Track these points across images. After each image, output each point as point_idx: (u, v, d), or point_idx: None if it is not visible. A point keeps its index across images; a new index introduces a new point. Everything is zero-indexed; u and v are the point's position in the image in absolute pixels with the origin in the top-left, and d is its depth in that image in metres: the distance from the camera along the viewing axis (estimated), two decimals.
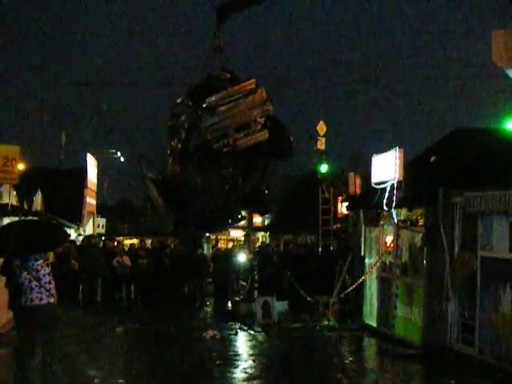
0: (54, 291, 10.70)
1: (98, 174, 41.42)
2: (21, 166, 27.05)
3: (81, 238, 29.71)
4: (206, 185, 8.41)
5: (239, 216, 9.47)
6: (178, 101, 8.31)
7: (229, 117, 8.07)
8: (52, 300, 10.65)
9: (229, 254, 27.32)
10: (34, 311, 10.42)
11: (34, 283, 10.45)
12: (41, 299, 10.47)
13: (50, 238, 11.24)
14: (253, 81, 8.08)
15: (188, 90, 8.26)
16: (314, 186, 32.66)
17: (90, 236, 29.10)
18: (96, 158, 40.65)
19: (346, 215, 24.62)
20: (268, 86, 8.52)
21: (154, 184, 8.59)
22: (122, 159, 49.77)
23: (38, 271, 10.54)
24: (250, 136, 8.19)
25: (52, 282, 10.68)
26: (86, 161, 37.90)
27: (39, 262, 10.59)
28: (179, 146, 8.35)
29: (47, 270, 10.71)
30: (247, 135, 8.18)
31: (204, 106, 7.95)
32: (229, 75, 8.25)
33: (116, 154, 48.77)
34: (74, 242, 24.95)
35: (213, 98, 8.01)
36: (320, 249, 24.82)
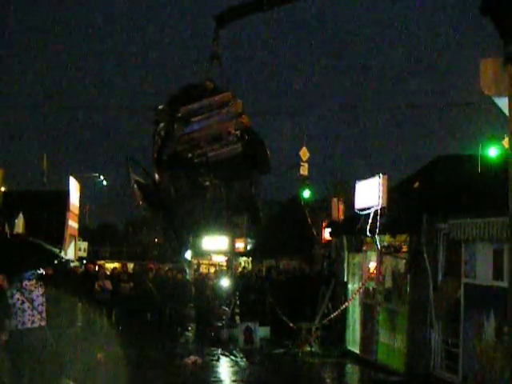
0: (45, 314, 10.37)
1: (80, 197, 41.23)
2: (3, 189, 26.91)
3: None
4: (182, 194, 8.34)
5: (230, 224, 9.37)
6: (160, 107, 8.23)
7: (202, 128, 7.98)
8: (43, 323, 10.31)
9: (211, 279, 27.17)
10: (26, 335, 10.05)
11: (26, 305, 10.07)
12: (33, 322, 10.11)
13: (41, 256, 10.96)
14: (229, 93, 7.99)
15: (169, 97, 8.18)
16: (297, 212, 32.71)
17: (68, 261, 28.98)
18: (79, 182, 40.49)
19: (329, 241, 24.61)
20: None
21: (138, 187, 8.47)
22: (104, 183, 49.68)
23: (30, 292, 10.18)
24: (223, 148, 8.10)
25: (44, 303, 10.34)
26: (68, 184, 37.73)
27: (32, 283, 10.25)
28: (156, 153, 8.27)
29: (40, 290, 10.35)
30: (220, 147, 8.08)
31: (178, 115, 7.87)
32: (212, 85, 8.15)
33: (99, 177, 48.70)
34: (54, 264, 24.69)
35: (187, 108, 7.92)
36: (302, 274, 24.74)
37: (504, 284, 11.41)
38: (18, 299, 10.00)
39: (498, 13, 5.95)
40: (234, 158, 8.20)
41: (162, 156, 8.14)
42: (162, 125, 8.22)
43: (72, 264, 29.43)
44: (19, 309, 10.00)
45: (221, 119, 8.15)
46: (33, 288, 10.14)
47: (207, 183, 8.36)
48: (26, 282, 10.11)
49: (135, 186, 8.52)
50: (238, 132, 8.18)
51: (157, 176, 8.38)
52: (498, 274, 12.22)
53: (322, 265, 24.10)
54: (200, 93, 8.18)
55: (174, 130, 8.02)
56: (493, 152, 16.68)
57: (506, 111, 6.84)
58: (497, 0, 5.89)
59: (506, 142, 14.50)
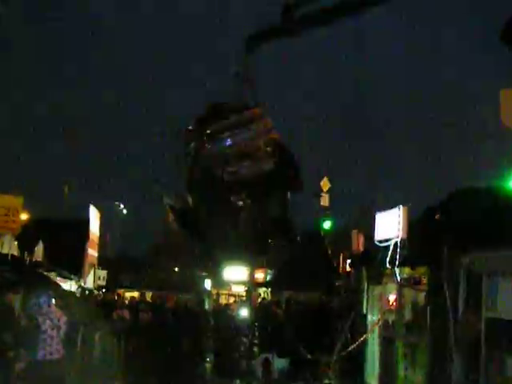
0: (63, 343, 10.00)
1: (100, 225, 41.36)
2: (24, 217, 27.00)
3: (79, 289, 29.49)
4: (214, 214, 8.19)
5: (266, 248, 9.10)
6: (190, 128, 8.15)
7: (231, 144, 7.86)
8: (63, 353, 9.91)
9: (229, 310, 27.05)
10: (48, 365, 9.55)
11: (54, 332, 9.63)
12: (58, 351, 9.67)
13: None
14: (258, 109, 7.87)
15: (197, 117, 8.11)
16: (317, 243, 32.60)
17: (87, 289, 28.98)
18: (99, 210, 40.65)
19: (349, 272, 24.45)
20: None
21: (171, 210, 8.38)
22: (124, 212, 49.84)
23: (58, 319, 9.76)
24: (254, 166, 7.95)
25: (66, 333, 9.94)
26: (88, 212, 37.88)
27: (57, 309, 9.83)
28: (188, 173, 8.17)
29: (64, 318, 9.96)
30: (250, 165, 7.94)
31: (207, 132, 7.79)
32: (241, 104, 8.05)
33: (119, 206, 48.88)
34: (73, 293, 24.75)
35: (216, 125, 7.83)
36: (321, 305, 24.55)
37: None
38: (49, 325, 9.56)
39: None
40: (265, 176, 8.06)
41: (193, 175, 8.06)
42: (192, 145, 8.13)
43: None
44: (49, 336, 9.58)
45: (250, 135, 8.02)
46: (59, 315, 9.77)
47: (240, 203, 8.20)
48: (48, 308, 9.70)
49: (169, 211, 8.43)
50: (268, 148, 8.03)
51: (189, 198, 8.28)
52: None
53: (341, 296, 23.88)
54: (228, 111, 8.09)
55: (203, 148, 7.93)
56: None
57: None
58: None
59: None
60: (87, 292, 28.25)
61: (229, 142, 7.80)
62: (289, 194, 8.47)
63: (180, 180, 8.29)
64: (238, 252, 8.63)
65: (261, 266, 44.01)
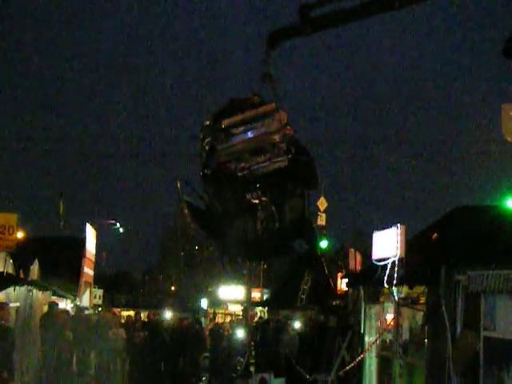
0: None
1: (96, 244, 41.24)
2: (20, 235, 26.89)
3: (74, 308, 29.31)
4: (229, 211, 8.02)
5: (285, 248, 8.86)
6: (206, 123, 8.01)
7: (245, 140, 7.70)
8: None
9: (226, 329, 26.94)
10: None
11: None
12: None
13: None
14: (273, 104, 7.73)
15: (214, 112, 7.97)
16: (313, 262, 32.51)
17: (83, 308, 28.84)
18: (95, 228, 40.54)
19: (346, 291, 24.37)
20: None
21: (189, 209, 8.20)
22: (121, 230, 49.73)
23: None
24: (268, 162, 7.79)
25: None
26: (85, 231, 37.77)
27: None
28: (201, 169, 8.01)
29: None
30: (264, 160, 7.78)
31: (222, 127, 7.65)
32: (258, 100, 7.91)
33: (115, 224, 48.78)
34: (68, 312, 24.60)
35: (229, 120, 7.70)
36: (318, 325, 24.46)
37: None
38: None
39: None
40: (280, 173, 7.90)
41: (207, 171, 7.91)
42: (207, 140, 7.99)
43: (87, 311, 29.27)
44: None
45: (265, 130, 7.85)
46: None
47: (256, 201, 8.00)
48: None
49: (185, 207, 8.27)
50: (283, 145, 7.87)
51: (205, 195, 8.14)
52: None
53: (338, 316, 23.80)
54: (245, 106, 7.93)
55: (217, 142, 7.77)
56: (511, 203, 16.50)
57: None
58: None
59: None
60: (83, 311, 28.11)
61: (243, 136, 7.65)
62: (307, 192, 8.31)
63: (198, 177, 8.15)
64: (255, 252, 8.42)
65: (257, 286, 43.95)
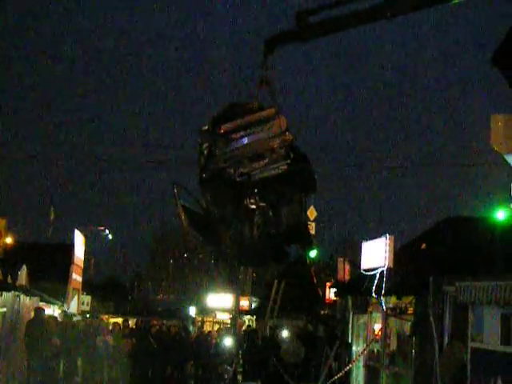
0: None
1: (85, 250, 41.13)
2: (8, 240, 26.83)
3: (62, 314, 29.19)
4: (226, 216, 7.96)
5: (282, 254, 8.79)
6: (204, 128, 7.97)
7: (244, 145, 7.66)
8: None
9: (214, 337, 26.88)
10: None
11: None
12: None
13: None
14: (272, 109, 7.69)
15: (212, 117, 7.93)
16: (302, 271, 32.51)
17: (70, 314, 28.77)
18: (84, 235, 40.43)
19: (335, 301, 24.37)
20: None
21: (185, 213, 8.15)
22: (110, 237, 49.63)
23: None
24: (267, 167, 7.76)
25: None
26: (73, 237, 37.67)
27: None
28: (199, 174, 7.97)
29: None
30: (263, 166, 7.74)
31: (220, 132, 7.61)
32: (257, 105, 7.87)
33: (104, 231, 48.67)
34: (55, 318, 24.51)
35: (228, 125, 7.65)
36: (306, 334, 24.43)
37: None
38: None
39: (509, 66, 5.92)
40: (278, 178, 7.87)
41: (205, 175, 7.88)
42: (205, 145, 7.95)
43: (74, 318, 29.18)
44: None
45: (264, 136, 7.80)
46: None
47: (253, 206, 7.97)
48: None
49: (182, 212, 8.22)
50: (282, 150, 7.84)
51: (202, 199, 8.10)
52: (506, 339, 12.00)
53: (326, 325, 23.78)
54: (244, 111, 7.88)
55: (216, 147, 7.74)
56: (501, 215, 16.54)
57: None
58: (508, 53, 5.86)
59: None
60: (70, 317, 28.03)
61: (243, 141, 7.62)
62: (305, 199, 8.28)
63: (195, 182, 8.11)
64: (251, 256, 8.38)
65: (246, 294, 43.86)
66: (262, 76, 7.61)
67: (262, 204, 7.82)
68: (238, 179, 7.61)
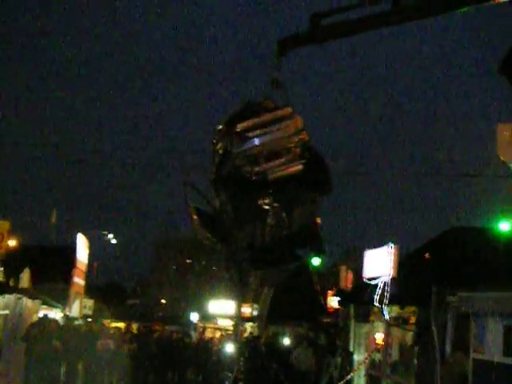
0: None
1: (88, 254, 41.13)
2: (12, 243, 26.82)
3: (64, 318, 29.18)
4: (241, 215, 7.93)
5: (293, 256, 8.73)
6: (219, 128, 7.95)
7: (260, 143, 7.64)
8: None
9: (215, 344, 26.85)
10: None
11: None
12: None
13: None
14: (289, 108, 7.68)
15: (228, 116, 7.92)
16: (305, 279, 32.45)
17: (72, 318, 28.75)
18: (87, 238, 40.44)
19: (337, 309, 24.34)
20: None
21: (197, 215, 8.11)
22: (113, 241, 49.62)
23: None
24: (282, 167, 7.74)
25: None
26: (76, 240, 37.66)
27: None
28: (214, 173, 7.94)
29: None
30: (279, 165, 7.73)
31: (237, 130, 7.59)
32: (272, 104, 7.86)
33: (108, 235, 48.68)
34: (56, 321, 24.49)
35: (245, 124, 7.63)
36: (308, 342, 24.37)
37: None
38: None
39: None
40: (294, 178, 7.84)
41: (220, 174, 7.85)
42: (220, 144, 7.94)
43: (76, 322, 29.15)
44: None
45: (280, 135, 7.79)
46: None
47: (267, 206, 7.95)
48: None
49: (194, 213, 8.18)
50: (298, 150, 7.83)
51: (216, 200, 8.07)
52: (508, 350, 11.95)
53: (327, 333, 23.73)
54: (259, 110, 7.87)
55: (232, 146, 7.73)
56: (504, 226, 16.52)
57: None
58: None
59: None
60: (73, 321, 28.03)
61: (259, 140, 7.59)
62: (318, 200, 8.25)
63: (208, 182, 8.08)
64: (263, 258, 8.34)
65: (248, 301, 43.83)
66: (274, 77, 7.62)
67: (275, 204, 7.80)
68: (253, 178, 7.60)
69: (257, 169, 7.60)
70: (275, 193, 7.74)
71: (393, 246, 16.41)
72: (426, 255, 17.08)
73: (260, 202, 7.74)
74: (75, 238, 37.79)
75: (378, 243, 17.55)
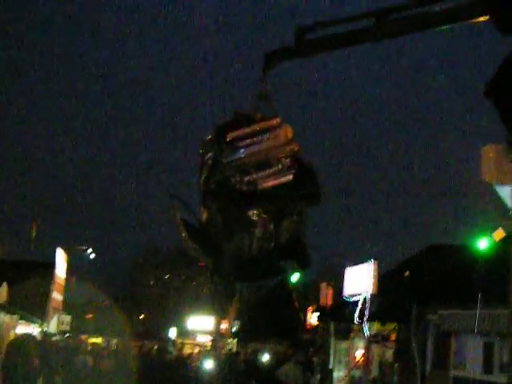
0: None
1: (66, 269, 40.91)
2: None
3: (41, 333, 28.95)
4: (230, 226, 7.91)
5: (278, 269, 8.71)
6: (207, 138, 7.96)
7: (250, 153, 7.67)
8: None
9: (194, 360, 26.74)
10: None
11: None
12: None
13: None
14: (278, 118, 7.71)
15: (216, 127, 7.94)
16: (284, 296, 32.44)
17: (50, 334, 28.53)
18: (66, 253, 40.23)
19: (316, 326, 24.32)
20: None
21: (184, 227, 8.08)
22: (92, 256, 49.33)
23: None
24: (272, 176, 7.76)
25: None
26: (55, 255, 37.45)
27: None
28: (203, 184, 7.94)
29: None
30: (269, 175, 7.74)
31: (227, 140, 7.62)
32: (259, 116, 7.90)
33: (86, 250, 48.39)
34: (34, 337, 24.28)
35: (235, 133, 7.66)
36: (287, 359, 24.33)
37: (495, 378, 11.20)
38: None
39: (501, 98, 5.95)
40: (283, 188, 7.85)
41: (209, 185, 7.85)
42: (209, 154, 7.94)
43: (54, 337, 28.93)
44: None
45: (270, 144, 7.82)
46: None
47: (256, 218, 7.94)
48: None
49: (181, 224, 8.16)
50: (287, 160, 7.85)
51: (204, 213, 8.06)
52: (488, 367, 12.01)
53: (307, 350, 23.71)
54: (248, 121, 7.91)
55: (221, 156, 7.74)
56: (482, 244, 16.57)
57: (508, 200, 6.78)
58: (500, 84, 5.89)
59: (497, 233, 14.42)
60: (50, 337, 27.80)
61: (248, 150, 7.62)
62: (305, 212, 8.25)
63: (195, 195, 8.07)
64: (250, 271, 8.32)
65: (227, 317, 43.72)
66: (261, 90, 7.66)
67: (264, 216, 7.81)
68: (243, 188, 7.61)
69: (247, 179, 7.61)
70: (264, 203, 7.74)
71: (373, 261, 16.45)
72: (406, 273, 17.14)
73: (249, 213, 7.73)
74: (54, 253, 37.58)
75: (359, 260, 17.59)
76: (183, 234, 8.06)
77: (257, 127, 7.74)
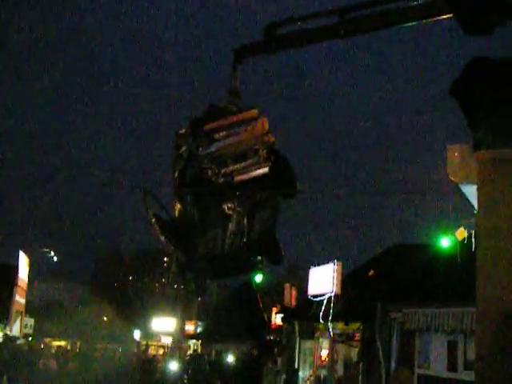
0: None
1: (29, 272, 40.49)
2: None
3: (4, 337, 28.66)
4: (205, 220, 7.87)
5: (251, 265, 8.68)
6: (181, 132, 7.92)
7: (227, 145, 7.66)
8: None
9: (159, 361, 26.65)
10: None
11: None
12: None
13: None
14: (255, 110, 7.72)
15: (191, 120, 7.90)
16: (248, 296, 32.48)
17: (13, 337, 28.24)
18: (28, 256, 39.82)
19: (281, 326, 24.37)
20: None
21: (156, 221, 8.03)
22: (55, 259, 48.91)
23: None
24: (248, 168, 7.75)
25: None
26: (17, 258, 37.04)
27: None
28: (177, 177, 7.89)
29: None
30: (246, 167, 7.72)
31: (204, 132, 7.60)
32: (235, 108, 7.90)
33: (49, 253, 47.97)
34: None
35: (211, 125, 7.65)
36: (252, 359, 24.36)
37: (459, 376, 11.32)
38: None
39: (467, 98, 6.04)
40: (259, 181, 7.84)
41: (185, 178, 7.80)
42: (184, 148, 7.89)
43: (17, 341, 28.66)
44: None
45: (247, 136, 7.82)
46: None
47: (230, 212, 7.91)
48: None
49: (153, 220, 8.12)
50: (264, 152, 7.85)
51: (178, 205, 8.01)
52: (452, 365, 12.14)
53: (272, 351, 23.74)
54: (224, 113, 7.90)
55: (197, 148, 7.70)
56: (445, 242, 16.74)
57: (473, 199, 6.86)
58: (466, 84, 5.98)
59: (459, 232, 14.57)
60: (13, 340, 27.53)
61: (224, 142, 7.61)
62: (279, 207, 8.25)
63: (169, 190, 8.01)
64: (222, 266, 8.29)
65: (191, 318, 43.62)
66: (232, 86, 7.69)
67: (238, 209, 7.79)
68: (220, 180, 7.60)
69: (223, 170, 7.60)
70: (239, 196, 7.73)
71: (337, 262, 16.54)
72: (370, 272, 17.26)
73: (224, 205, 7.72)
74: (16, 256, 37.17)
75: (322, 260, 17.67)
76: (155, 229, 8.05)
77: (234, 119, 7.75)
